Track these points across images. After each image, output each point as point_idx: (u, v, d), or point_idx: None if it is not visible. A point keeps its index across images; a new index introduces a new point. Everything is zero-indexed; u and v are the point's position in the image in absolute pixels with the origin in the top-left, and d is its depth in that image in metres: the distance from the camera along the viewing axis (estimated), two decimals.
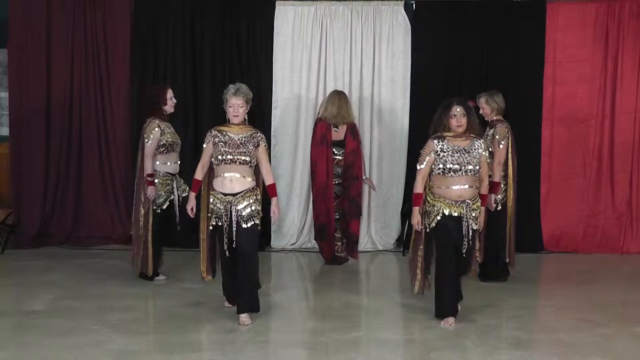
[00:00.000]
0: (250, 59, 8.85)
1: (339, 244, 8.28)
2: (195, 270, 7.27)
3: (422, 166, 5.89)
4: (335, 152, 8.11)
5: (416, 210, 5.94)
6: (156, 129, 6.95)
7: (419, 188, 5.93)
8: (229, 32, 8.81)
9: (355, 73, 8.90)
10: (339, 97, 8.17)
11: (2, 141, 9.16)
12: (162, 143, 6.97)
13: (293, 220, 8.98)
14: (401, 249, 8.76)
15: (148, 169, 6.93)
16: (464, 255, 5.86)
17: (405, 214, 8.78)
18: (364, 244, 8.88)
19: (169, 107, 7.13)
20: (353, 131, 8.15)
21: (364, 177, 8.33)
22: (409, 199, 8.25)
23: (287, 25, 8.85)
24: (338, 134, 8.10)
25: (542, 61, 8.88)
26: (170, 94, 7.12)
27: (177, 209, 7.09)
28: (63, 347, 5.29)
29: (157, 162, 6.99)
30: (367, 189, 8.81)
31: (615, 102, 8.95)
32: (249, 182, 5.84)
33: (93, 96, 8.77)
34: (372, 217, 9.01)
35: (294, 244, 8.98)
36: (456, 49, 8.91)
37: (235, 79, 8.40)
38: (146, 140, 6.95)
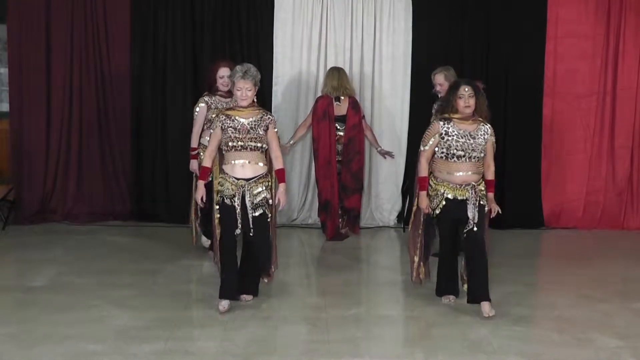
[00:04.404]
0: (250, 35, 8.76)
1: (340, 220, 8.31)
2: (196, 247, 7.38)
3: (426, 148, 5.69)
4: (338, 127, 8.10)
5: (423, 194, 5.75)
6: (202, 104, 7.01)
7: (423, 171, 5.74)
8: (229, 8, 8.71)
9: (355, 49, 8.84)
10: (337, 70, 8.20)
11: (3, 117, 9.14)
12: (208, 118, 6.93)
13: (293, 197, 8.96)
14: (402, 225, 8.77)
15: (193, 143, 7.02)
16: (465, 235, 5.63)
17: (406, 191, 8.78)
18: (364, 220, 8.89)
19: (220, 85, 6.99)
20: (355, 106, 8.13)
21: (379, 149, 8.38)
22: (410, 175, 8.28)
23: (287, 0, 8.79)
24: (340, 108, 8.08)
25: (543, 37, 8.83)
26: (222, 72, 6.93)
27: None
28: (64, 322, 5.32)
29: (207, 137, 6.72)
30: (368, 164, 8.82)
31: (616, 78, 8.91)
32: (261, 167, 5.67)
33: (93, 71, 8.71)
34: (372, 193, 8.99)
35: (295, 220, 8.97)
36: (458, 24, 8.85)
37: (236, 56, 8.39)
38: (194, 114, 7.07)
